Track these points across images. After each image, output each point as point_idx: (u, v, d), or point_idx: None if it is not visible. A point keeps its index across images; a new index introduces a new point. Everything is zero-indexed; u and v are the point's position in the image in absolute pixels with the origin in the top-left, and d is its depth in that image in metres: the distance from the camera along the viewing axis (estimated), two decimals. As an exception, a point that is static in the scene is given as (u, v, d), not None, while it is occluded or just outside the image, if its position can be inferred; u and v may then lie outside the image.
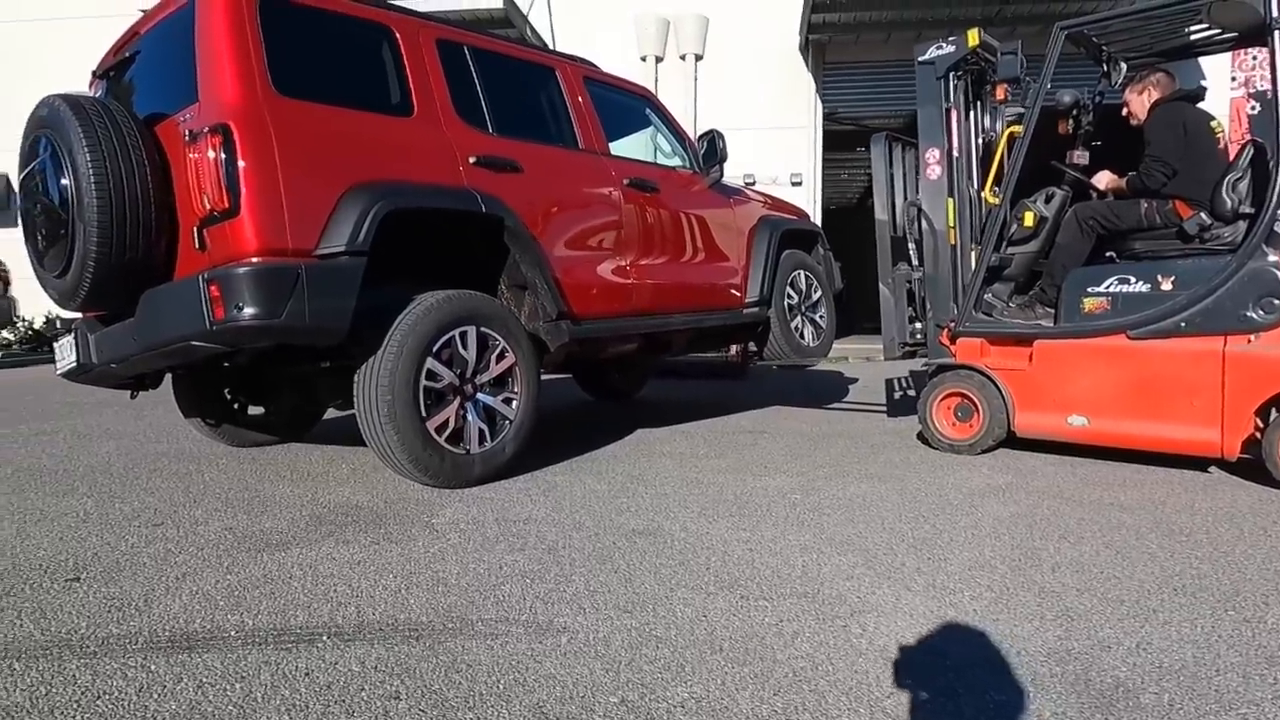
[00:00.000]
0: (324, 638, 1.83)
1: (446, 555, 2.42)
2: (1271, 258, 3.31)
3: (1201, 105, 3.90)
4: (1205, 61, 5.51)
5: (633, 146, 4.73)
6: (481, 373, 3.37)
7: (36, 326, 12.33)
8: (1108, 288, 3.66)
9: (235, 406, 4.26)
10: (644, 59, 12.86)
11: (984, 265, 4.01)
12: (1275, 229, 3.32)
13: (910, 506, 3.00)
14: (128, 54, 3.54)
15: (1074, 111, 4.14)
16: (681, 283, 4.44)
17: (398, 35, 3.45)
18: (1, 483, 3.42)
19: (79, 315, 3.58)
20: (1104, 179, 4.07)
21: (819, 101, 13.21)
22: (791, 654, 1.75)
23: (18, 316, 11.12)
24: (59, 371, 3.64)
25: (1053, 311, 3.93)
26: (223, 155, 2.76)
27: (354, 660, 1.72)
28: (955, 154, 4.24)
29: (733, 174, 5.87)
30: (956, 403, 4.04)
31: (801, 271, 5.28)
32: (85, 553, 2.45)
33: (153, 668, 1.68)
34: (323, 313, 2.89)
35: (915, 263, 4.46)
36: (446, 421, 3.23)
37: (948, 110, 4.23)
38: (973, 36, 4.11)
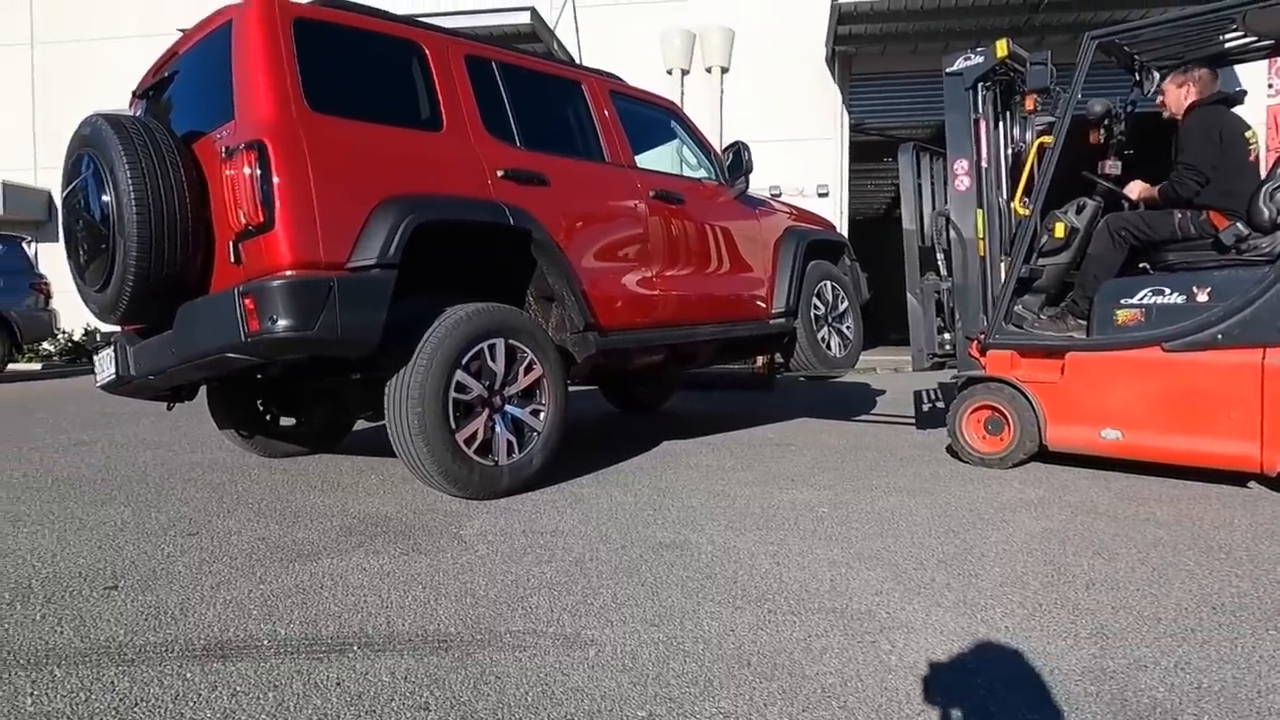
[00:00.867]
0: (354, 648, 1.85)
1: (475, 566, 2.44)
2: (1312, 268, 3.24)
3: (1238, 111, 3.84)
4: (1241, 69, 5.41)
5: (659, 159, 4.76)
6: (510, 385, 3.40)
7: (76, 338, 12.63)
8: (1142, 299, 3.60)
9: (268, 418, 4.32)
10: (669, 72, 12.93)
11: (1014, 277, 3.97)
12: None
13: (940, 521, 2.97)
14: (166, 74, 3.64)
15: (1105, 121, 4.09)
16: (707, 294, 4.44)
17: (427, 52, 3.50)
18: (43, 492, 3.50)
19: (118, 329, 3.66)
20: (1136, 189, 4.02)
21: (845, 112, 13.18)
22: (820, 670, 1.74)
23: (58, 329, 11.39)
24: (99, 384, 3.72)
25: (1085, 323, 3.87)
26: (258, 171, 2.82)
27: (384, 671, 1.73)
28: (984, 165, 4.20)
29: (759, 185, 5.87)
30: (987, 416, 3.99)
31: (828, 282, 5.26)
32: (123, 561, 2.50)
33: (188, 676, 1.71)
34: (354, 325, 2.94)
35: (944, 273, 4.42)
36: (475, 433, 3.25)
37: (976, 121, 4.20)
38: (1001, 47, 4.08)
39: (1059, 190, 3.98)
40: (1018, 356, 3.99)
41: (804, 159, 12.80)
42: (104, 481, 3.72)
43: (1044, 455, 3.91)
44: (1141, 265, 3.89)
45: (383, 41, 3.45)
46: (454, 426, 3.17)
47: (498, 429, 3.35)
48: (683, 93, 12.83)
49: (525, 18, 11.83)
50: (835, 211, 12.51)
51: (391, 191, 3.09)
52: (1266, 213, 3.43)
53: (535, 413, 3.48)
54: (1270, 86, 11.07)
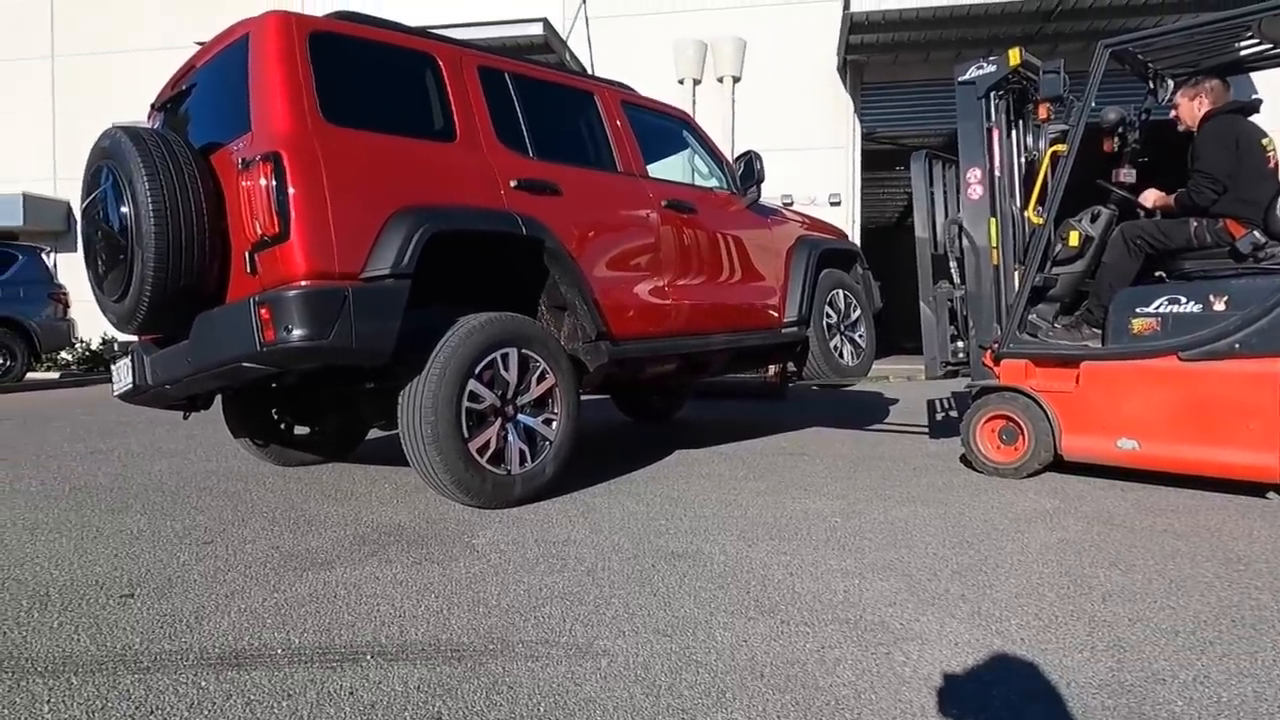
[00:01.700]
0: (368, 657, 1.86)
1: (487, 576, 2.44)
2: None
3: (1254, 120, 3.81)
4: (1257, 77, 5.38)
5: (671, 168, 4.77)
6: (522, 394, 3.41)
7: (94, 347, 12.76)
8: (1157, 308, 3.57)
9: (282, 427, 4.35)
10: (681, 82, 12.95)
11: (1028, 285, 3.95)
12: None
13: (954, 531, 2.95)
14: (184, 87, 3.68)
15: (1119, 129, 4.07)
16: (719, 303, 4.44)
17: (441, 63, 3.53)
18: (60, 499, 3.54)
19: (136, 338, 3.70)
20: (1151, 197, 4.00)
21: (857, 121, 13.19)
22: (834, 682, 1.73)
23: (76, 338, 11.51)
24: (116, 393, 3.76)
25: (1100, 332, 3.85)
26: (274, 182, 2.85)
27: (397, 680, 1.74)
28: (997, 174, 4.19)
29: (771, 194, 5.88)
30: (1001, 425, 3.96)
31: (840, 291, 5.25)
32: (139, 569, 2.52)
33: (203, 684, 1.72)
34: (368, 334, 2.95)
35: (957, 281, 4.41)
36: (488, 443, 3.26)
37: (989, 130, 4.19)
38: (1014, 56, 4.07)
39: (1073, 199, 3.96)
40: (1032, 366, 3.97)
41: (816, 168, 12.81)
42: (120, 489, 3.75)
43: (1059, 465, 3.88)
44: (1157, 274, 3.86)
45: (396, 54, 3.48)
46: (467, 436, 3.18)
47: (510, 438, 3.36)
48: (694, 102, 12.85)
49: (538, 29, 11.91)
50: (847, 220, 12.51)
51: (405, 202, 3.11)
52: (1285, 221, 3.40)
53: (548, 422, 3.49)
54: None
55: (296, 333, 2.82)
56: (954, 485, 3.77)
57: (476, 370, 3.22)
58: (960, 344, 4.46)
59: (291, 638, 1.97)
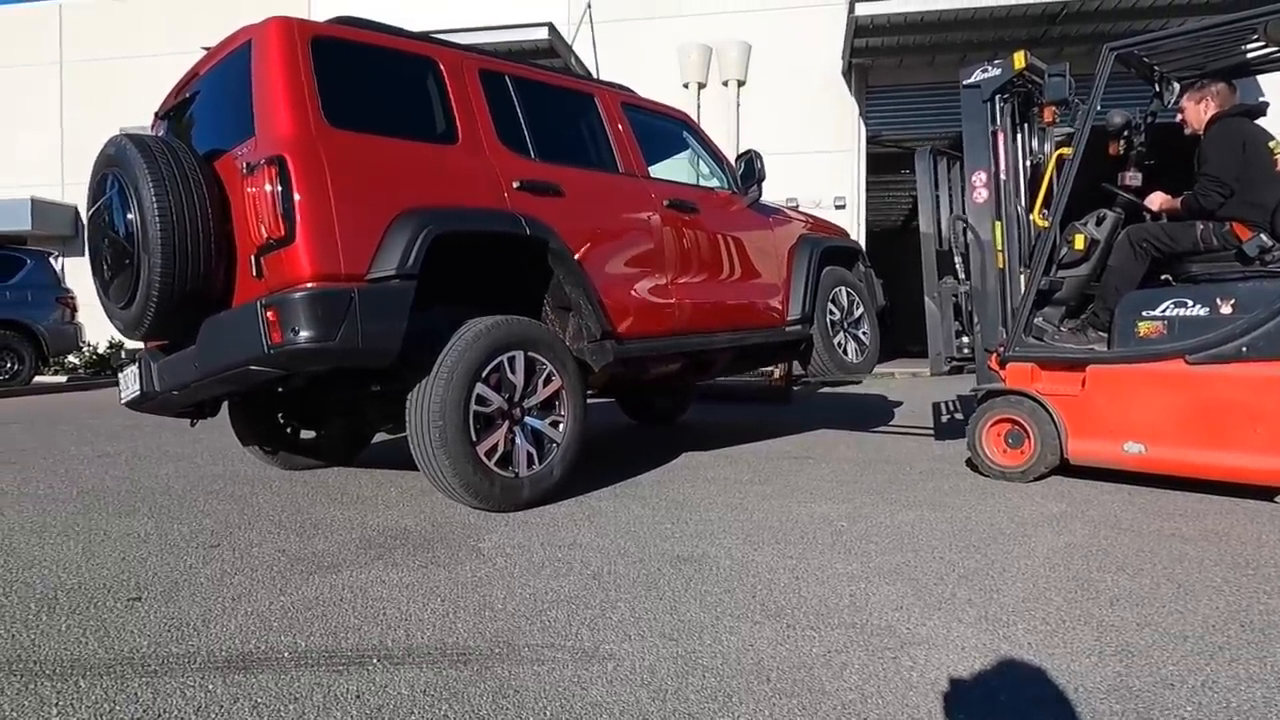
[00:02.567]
0: (374, 660, 1.86)
1: (493, 580, 2.44)
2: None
3: (1261, 122, 3.81)
4: (1264, 79, 5.38)
5: (672, 169, 4.78)
6: (529, 397, 3.41)
7: (101, 351, 12.81)
8: (1164, 311, 3.56)
9: (288, 431, 4.36)
10: (686, 86, 12.99)
11: (1034, 289, 3.94)
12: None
13: (960, 535, 2.94)
14: (187, 94, 3.70)
15: (1125, 132, 4.06)
16: (723, 302, 4.45)
17: (442, 67, 3.55)
18: (68, 503, 3.55)
19: (142, 345, 3.71)
20: (1157, 200, 3.99)
21: (862, 125, 13.19)
22: (840, 686, 1.73)
23: (83, 342, 11.56)
24: (124, 400, 3.77)
25: (1106, 336, 3.84)
26: (278, 186, 2.86)
27: (403, 684, 1.74)
28: (1003, 176, 4.19)
29: (776, 197, 5.89)
30: (1007, 429, 3.95)
31: (843, 288, 5.25)
32: (146, 572, 2.52)
33: (210, 687, 1.72)
34: (375, 335, 2.96)
35: (961, 276, 4.40)
36: (496, 445, 3.27)
37: (994, 133, 4.19)
38: (1019, 59, 4.07)
39: (1079, 202, 3.95)
40: (1038, 369, 3.96)
41: (821, 171, 12.81)
42: (127, 493, 3.76)
43: (1065, 469, 3.86)
44: (1163, 277, 3.85)
45: (398, 58, 3.50)
46: (475, 439, 3.19)
47: (518, 441, 3.36)
48: (699, 106, 12.88)
49: (543, 33, 11.94)
50: (853, 223, 12.50)
51: (409, 204, 3.12)
52: (1292, 224, 3.39)
53: (554, 424, 3.50)
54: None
55: (303, 334, 2.83)
56: (960, 489, 3.76)
57: (484, 373, 3.23)
58: (965, 340, 4.46)
59: (298, 641, 1.97)
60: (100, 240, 3.42)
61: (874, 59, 12.71)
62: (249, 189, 2.91)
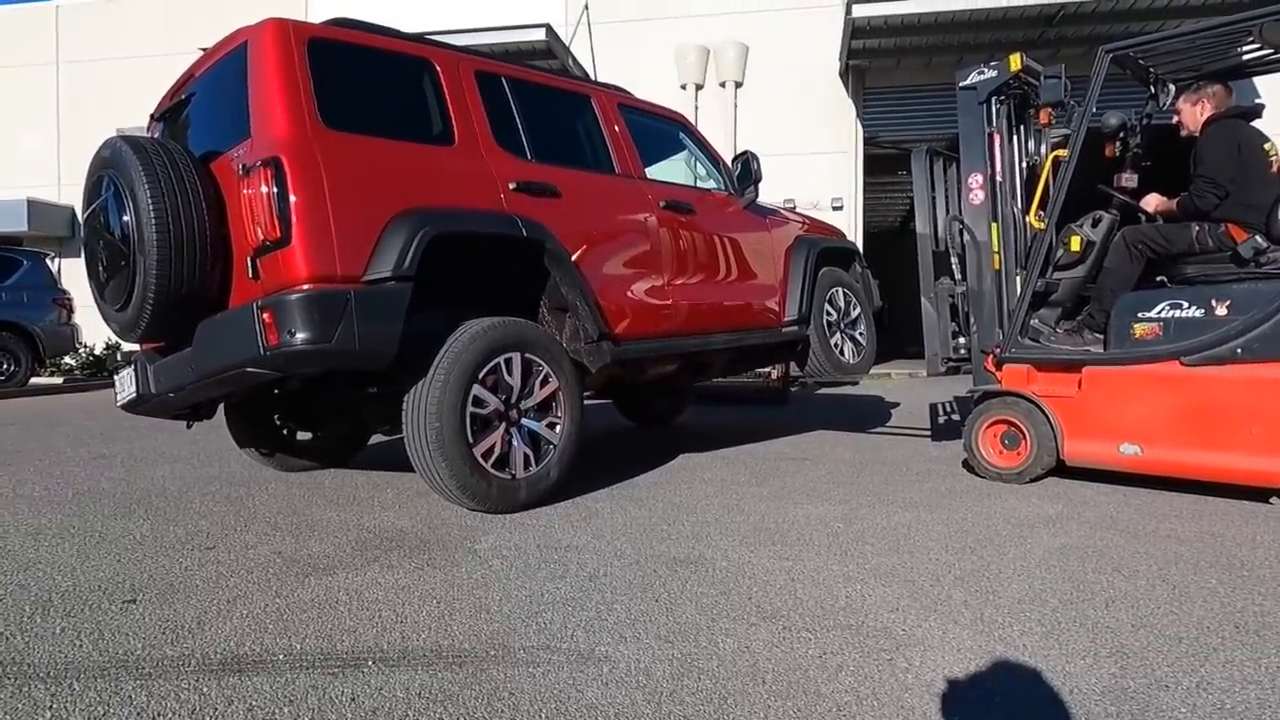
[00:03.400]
0: (369, 663, 1.86)
1: (489, 582, 2.44)
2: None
3: (1256, 125, 3.81)
4: (1259, 81, 5.40)
5: (669, 170, 4.78)
6: (526, 398, 3.41)
7: (97, 353, 12.79)
8: (1159, 313, 3.57)
9: (284, 433, 4.35)
10: (684, 87, 13.02)
11: (1030, 290, 3.95)
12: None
13: (957, 537, 2.95)
14: (183, 96, 3.70)
15: (1121, 134, 4.07)
16: (719, 302, 4.45)
17: (438, 69, 3.55)
18: (64, 505, 3.54)
19: (138, 347, 3.70)
20: (1153, 202, 4.00)
21: (860, 126, 13.20)
22: (836, 688, 1.73)
23: (79, 343, 11.54)
24: (119, 403, 3.76)
25: (1102, 337, 3.84)
26: (274, 188, 2.85)
27: (398, 686, 1.74)
28: (999, 178, 4.20)
29: (773, 198, 5.89)
30: (1003, 430, 3.96)
31: (840, 289, 5.26)
32: (141, 575, 2.52)
33: (205, 690, 1.72)
34: (371, 337, 2.96)
35: (958, 277, 4.41)
36: (492, 447, 3.27)
37: (990, 135, 4.20)
38: (1014, 61, 4.08)
39: (1075, 203, 3.96)
40: (1034, 370, 3.96)
41: (818, 172, 12.83)
42: (123, 495, 3.75)
43: (1062, 470, 3.87)
44: (1159, 279, 3.86)
45: (394, 59, 3.49)
46: (471, 440, 3.19)
47: (515, 442, 3.36)
48: (697, 107, 12.90)
49: (540, 34, 11.95)
50: (850, 224, 12.52)
51: (405, 205, 3.12)
52: (1287, 226, 3.40)
53: (551, 426, 3.50)
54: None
55: (300, 336, 2.82)
56: (956, 490, 3.76)
57: (480, 375, 3.22)
58: (961, 340, 4.46)
59: (293, 643, 1.97)
60: (96, 242, 3.41)
61: (871, 61, 12.73)
62: (245, 190, 2.91)
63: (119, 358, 3.80)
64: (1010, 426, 3.93)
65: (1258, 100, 4.19)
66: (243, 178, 2.93)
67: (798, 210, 6.13)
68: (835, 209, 12.68)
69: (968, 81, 4.24)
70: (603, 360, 3.68)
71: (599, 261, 3.78)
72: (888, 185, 17.67)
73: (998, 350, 4.08)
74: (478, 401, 3.22)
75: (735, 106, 13.06)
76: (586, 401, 3.91)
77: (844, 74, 12.95)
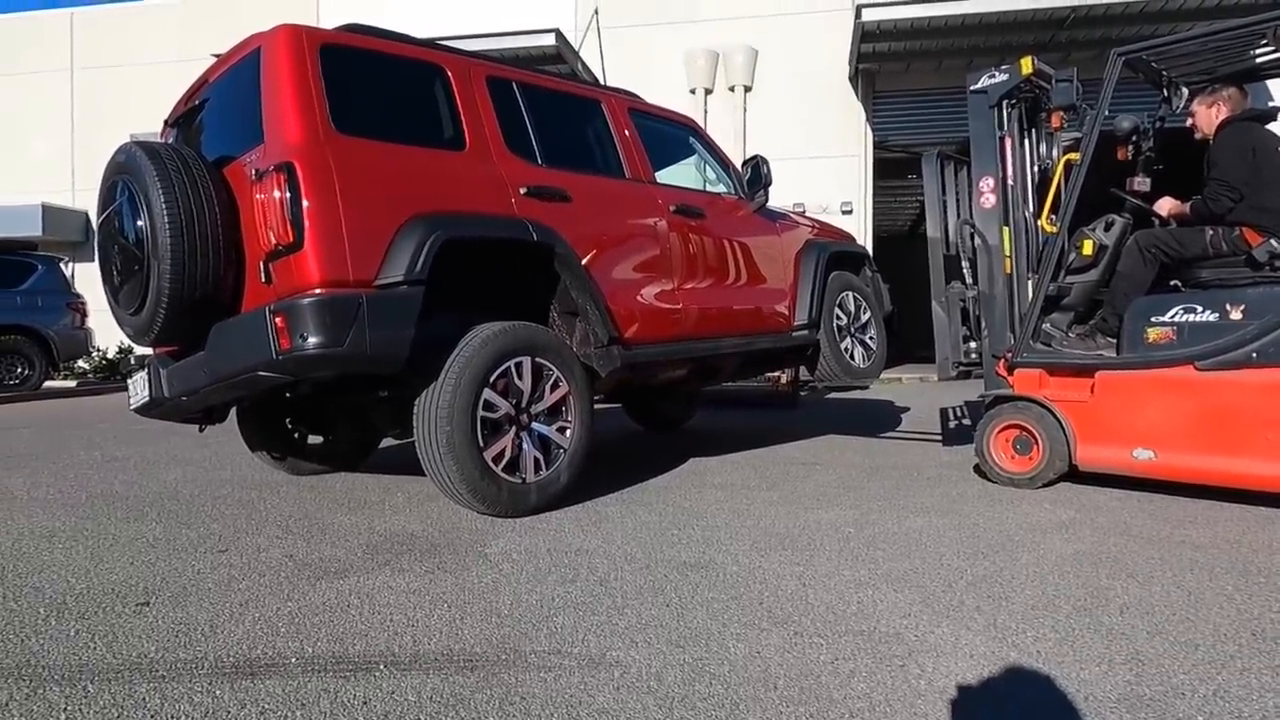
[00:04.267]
0: (381, 667, 1.86)
1: (500, 586, 2.44)
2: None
3: (1271, 128, 3.78)
4: (1274, 84, 5.37)
5: (679, 175, 4.78)
6: (536, 402, 3.42)
7: (110, 356, 12.88)
8: (1173, 317, 3.55)
9: (296, 436, 4.37)
10: (693, 91, 13.03)
11: (1042, 294, 3.93)
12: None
13: (969, 542, 2.93)
14: (197, 102, 3.73)
15: (1133, 137, 4.05)
16: (729, 307, 4.45)
17: (449, 74, 3.56)
18: (77, 508, 3.57)
19: (151, 351, 3.73)
20: (1166, 205, 3.97)
21: (869, 130, 13.18)
22: (848, 694, 1.72)
23: (93, 347, 11.62)
24: (132, 406, 3.78)
25: (1115, 342, 3.82)
26: (287, 193, 2.87)
27: (410, 690, 1.74)
28: (1010, 182, 4.18)
29: (783, 202, 5.89)
30: (1015, 435, 3.94)
31: (850, 293, 5.25)
32: (154, 577, 2.53)
33: (218, 693, 1.73)
34: (383, 341, 2.97)
35: (969, 281, 4.39)
36: (503, 451, 3.27)
37: (1001, 139, 4.18)
38: (1026, 64, 4.06)
39: (1087, 207, 3.94)
40: (1046, 375, 3.94)
41: (828, 176, 12.80)
42: (136, 498, 3.78)
43: (1074, 475, 3.85)
44: (1172, 283, 3.83)
45: (406, 65, 3.51)
46: (482, 444, 3.20)
47: (525, 446, 3.36)
48: (706, 112, 12.91)
49: (550, 39, 11.98)
50: (860, 228, 12.49)
51: (417, 210, 3.13)
52: (1302, 229, 3.37)
53: (562, 430, 3.50)
54: (1303, 100, 10.89)
55: (312, 340, 2.84)
56: (968, 495, 3.75)
57: (491, 379, 3.23)
58: (973, 344, 4.44)
59: (305, 647, 1.97)
60: (110, 247, 3.44)
61: (881, 64, 12.70)
62: (258, 195, 2.93)
63: (132, 361, 3.83)
64: (1022, 431, 3.90)
65: (1272, 103, 4.17)
66: (256, 182, 2.95)
67: (807, 214, 6.12)
68: (845, 213, 12.65)
69: (979, 85, 4.23)
70: (613, 364, 3.68)
71: (609, 266, 3.78)
72: (897, 189, 17.64)
73: (1009, 355, 4.06)
74: (488, 405, 3.23)
75: (744, 110, 13.06)
76: (596, 405, 3.91)
77: (853, 78, 12.93)
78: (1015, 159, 4.19)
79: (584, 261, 3.61)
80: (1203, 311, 3.48)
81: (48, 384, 10.82)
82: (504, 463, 3.27)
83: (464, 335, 3.23)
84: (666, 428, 6.36)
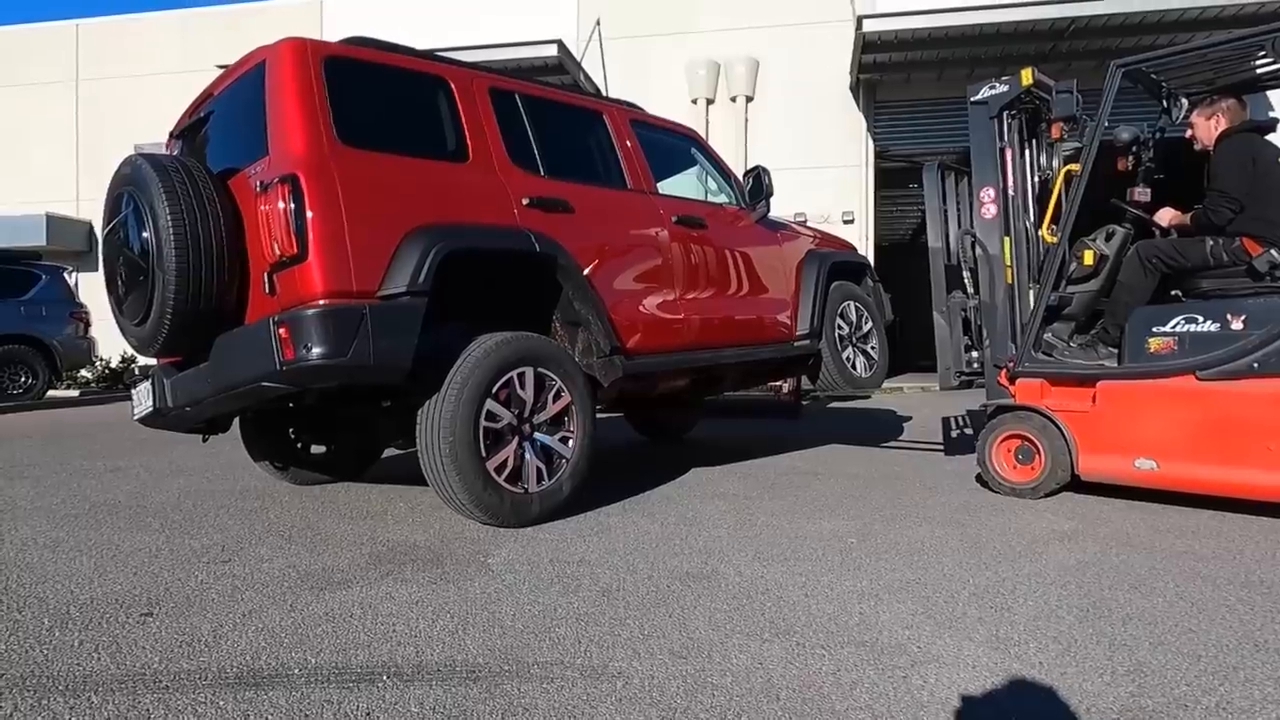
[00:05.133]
0: (384, 677, 1.86)
1: (502, 596, 2.45)
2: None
3: (1270, 139, 3.80)
4: (1274, 95, 5.39)
5: (681, 185, 4.80)
6: (539, 412, 3.42)
7: (113, 366, 12.91)
8: (1174, 327, 3.55)
9: (299, 446, 4.38)
10: (695, 102, 13.07)
11: (1043, 304, 3.94)
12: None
13: (971, 552, 2.93)
14: (202, 114, 3.76)
15: (1134, 148, 4.07)
16: (731, 317, 4.46)
17: (452, 86, 3.58)
18: (80, 518, 3.57)
19: (155, 362, 3.74)
20: (1167, 215, 3.98)
21: (870, 140, 13.21)
22: (850, 705, 1.72)
23: (96, 356, 11.65)
24: (136, 416, 3.79)
25: (1116, 352, 3.83)
26: (291, 204, 2.89)
27: (413, 701, 1.74)
28: (1011, 193, 4.19)
29: (784, 212, 5.90)
30: (1017, 445, 3.94)
31: (851, 303, 5.26)
32: (158, 588, 2.54)
33: (221, 704, 1.73)
34: (386, 352, 2.98)
35: (971, 290, 4.40)
36: (505, 461, 3.28)
37: (1002, 149, 4.20)
38: (1026, 75, 4.09)
39: (1088, 217, 3.95)
40: (1047, 385, 3.95)
41: (829, 186, 12.83)
42: (139, 507, 3.78)
43: (1076, 485, 3.84)
44: (1173, 293, 3.84)
45: (409, 77, 3.54)
46: (485, 454, 3.20)
47: (527, 456, 3.37)
48: (708, 122, 12.95)
49: (552, 50, 12.03)
50: (861, 238, 12.51)
51: (420, 221, 3.15)
52: (1302, 240, 3.38)
53: (564, 440, 3.51)
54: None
55: (315, 351, 2.85)
56: (970, 505, 3.74)
57: (494, 389, 3.24)
58: (974, 354, 4.45)
59: (308, 658, 1.98)
60: (115, 258, 3.46)
61: (882, 75, 12.75)
62: (262, 207, 2.95)
63: (136, 371, 3.84)
64: (1024, 441, 3.91)
65: (1271, 114, 4.18)
66: (260, 194, 2.97)
67: (808, 224, 6.14)
68: (846, 223, 12.67)
69: (979, 96, 4.25)
70: (615, 374, 3.70)
71: (611, 276, 3.80)
72: (899, 199, 17.66)
73: (1011, 364, 4.06)
74: (491, 416, 3.24)
75: (746, 121, 13.11)
76: (598, 415, 3.91)
77: (855, 88, 12.97)
78: (1016, 169, 4.21)
79: (586, 272, 3.62)
80: (1204, 322, 3.49)
81: (51, 393, 10.83)
82: (506, 473, 3.27)
83: (467, 346, 3.25)
84: (669, 437, 6.36)
